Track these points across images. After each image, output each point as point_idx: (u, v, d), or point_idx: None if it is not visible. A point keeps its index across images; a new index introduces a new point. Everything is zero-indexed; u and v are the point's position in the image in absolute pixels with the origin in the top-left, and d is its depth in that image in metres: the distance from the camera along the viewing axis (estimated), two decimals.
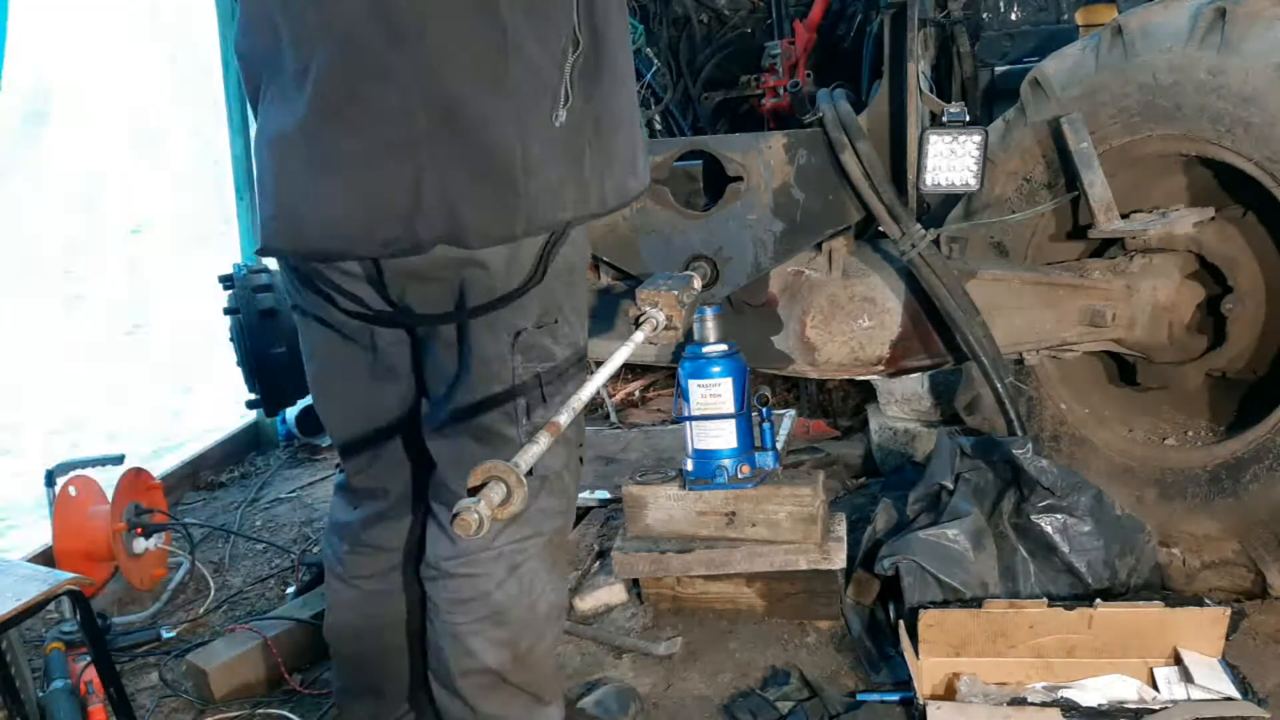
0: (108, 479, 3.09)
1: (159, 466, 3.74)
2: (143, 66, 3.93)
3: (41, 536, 3.08)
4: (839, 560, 2.36)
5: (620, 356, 1.49)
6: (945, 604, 2.16)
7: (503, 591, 1.73)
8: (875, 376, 2.79)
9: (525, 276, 1.58)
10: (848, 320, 2.57)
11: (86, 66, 3.64)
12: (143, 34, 3.93)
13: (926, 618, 2.09)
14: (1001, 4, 3.22)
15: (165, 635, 2.74)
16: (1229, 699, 1.93)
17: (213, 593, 3.04)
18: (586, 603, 2.60)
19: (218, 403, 4.21)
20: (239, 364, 2.91)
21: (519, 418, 1.67)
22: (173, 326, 4.03)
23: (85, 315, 3.57)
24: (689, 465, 2.40)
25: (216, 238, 4.29)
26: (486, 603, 1.73)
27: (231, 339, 2.91)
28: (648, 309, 1.69)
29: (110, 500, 2.99)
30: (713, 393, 2.33)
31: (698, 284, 1.87)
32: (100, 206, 3.67)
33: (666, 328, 1.69)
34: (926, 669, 2.09)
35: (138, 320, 3.89)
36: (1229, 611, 2.04)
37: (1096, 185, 2.30)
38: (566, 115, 1.52)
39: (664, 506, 2.44)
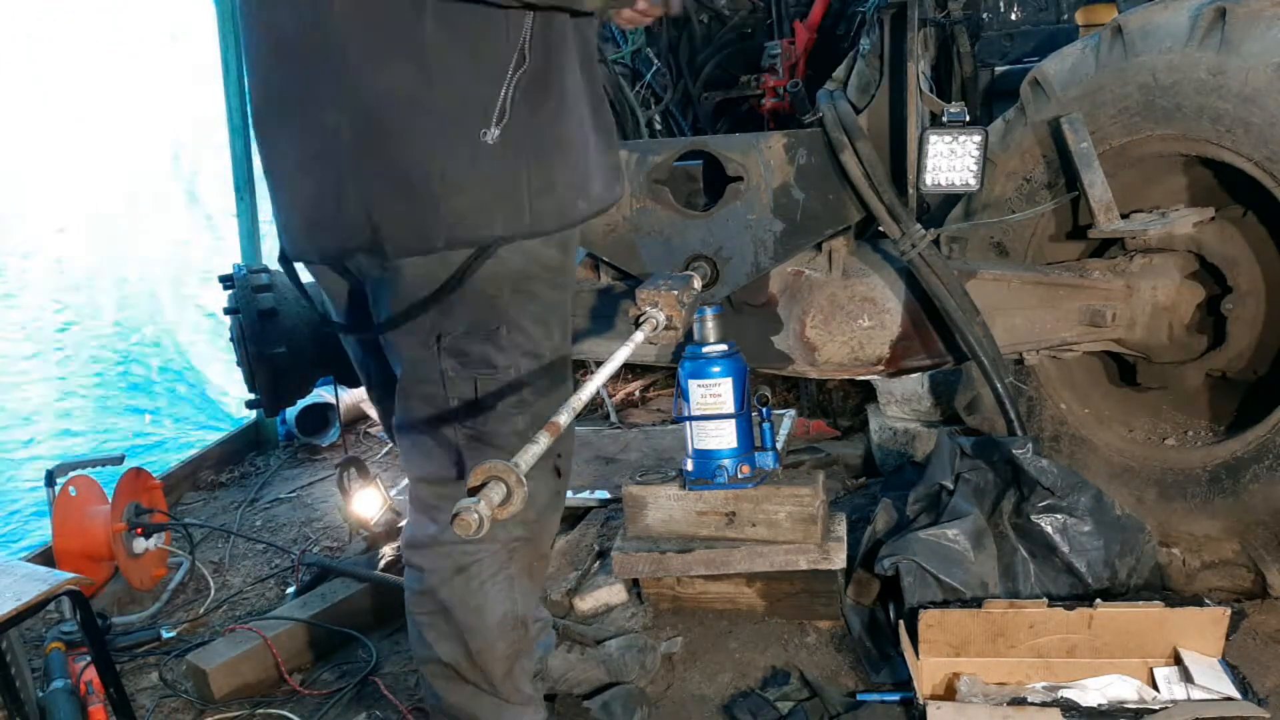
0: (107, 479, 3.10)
1: (159, 467, 3.75)
2: (141, 66, 3.92)
3: (41, 536, 3.09)
4: (839, 560, 2.36)
5: (620, 356, 1.49)
6: (945, 604, 2.15)
7: (448, 589, 1.75)
8: (875, 376, 2.79)
9: (438, 285, 1.60)
10: (848, 320, 2.57)
11: (82, 67, 3.63)
12: (141, 33, 3.93)
13: (926, 618, 2.09)
14: (1001, 4, 3.22)
15: (165, 635, 2.74)
16: (1229, 699, 1.93)
17: (213, 593, 3.04)
18: (586, 603, 2.60)
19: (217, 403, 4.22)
20: (239, 364, 2.91)
21: (453, 420, 1.69)
22: (170, 327, 4.04)
23: (16, 314, 3.56)
24: (689, 465, 2.40)
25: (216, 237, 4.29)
26: (434, 598, 1.77)
27: (231, 339, 2.91)
28: (648, 309, 1.68)
29: (110, 500, 2.99)
30: (713, 393, 2.32)
31: (698, 284, 1.87)
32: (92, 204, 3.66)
33: (666, 328, 1.69)
34: (926, 669, 2.09)
35: (134, 320, 3.88)
36: (1229, 611, 2.04)
37: (1096, 185, 2.30)
38: (500, 133, 1.53)
39: (664, 506, 2.44)
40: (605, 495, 3.08)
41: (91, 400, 3.68)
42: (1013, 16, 3.24)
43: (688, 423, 2.37)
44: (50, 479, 2.97)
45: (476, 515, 1.03)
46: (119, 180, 3.86)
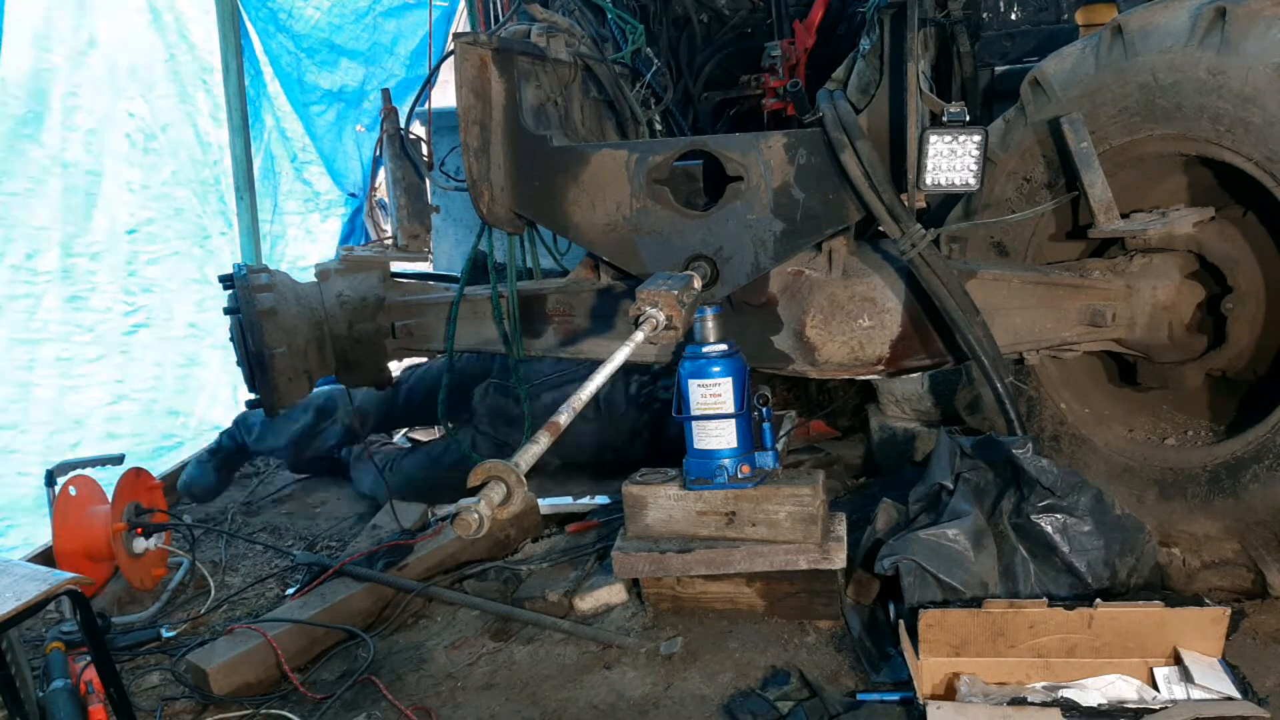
0: (107, 479, 3.10)
1: (159, 466, 3.75)
2: (141, 66, 3.93)
3: (41, 536, 3.09)
4: (839, 560, 2.36)
5: (620, 356, 1.49)
6: (945, 604, 2.15)
7: None
8: (875, 376, 2.79)
9: None
10: (848, 320, 2.57)
11: (84, 67, 3.63)
12: (141, 33, 3.93)
13: (926, 618, 2.09)
14: (1001, 4, 3.22)
15: (165, 635, 2.74)
16: (1229, 699, 1.93)
17: (213, 593, 3.04)
18: (586, 603, 2.60)
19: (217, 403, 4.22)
20: (239, 364, 2.91)
21: None
22: (171, 327, 4.04)
23: (83, 316, 3.55)
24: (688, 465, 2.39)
25: (215, 237, 4.29)
26: None
27: (232, 339, 2.91)
28: (648, 309, 1.69)
29: (110, 500, 2.99)
30: (713, 393, 2.32)
31: (698, 284, 1.88)
32: (98, 207, 3.65)
33: (666, 328, 1.69)
34: (926, 669, 2.09)
35: (136, 320, 3.88)
36: (1229, 611, 2.04)
37: (1096, 185, 2.30)
38: None
39: (664, 506, 2.44)
40: (605, 500, 3.11)
41: (140, 404, 3.67)
42: (1013, 16, 3.24)
43: (688, 422, 2.37)
44: (50, 479, 2.97)
45: (477, 515, 1.03)
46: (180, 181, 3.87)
